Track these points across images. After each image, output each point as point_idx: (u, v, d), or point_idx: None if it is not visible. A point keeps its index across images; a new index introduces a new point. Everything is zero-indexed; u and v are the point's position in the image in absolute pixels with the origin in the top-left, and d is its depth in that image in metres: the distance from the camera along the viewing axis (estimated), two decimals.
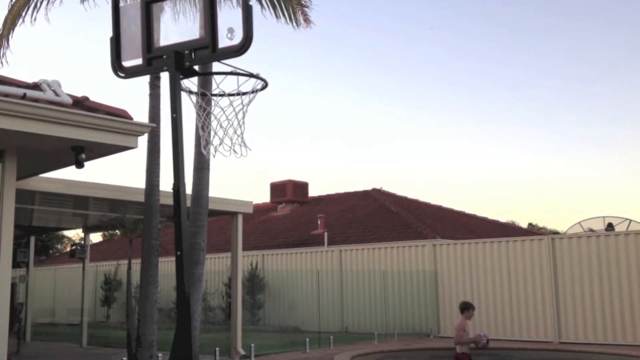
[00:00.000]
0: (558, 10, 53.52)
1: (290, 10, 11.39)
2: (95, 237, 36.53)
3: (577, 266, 15.51)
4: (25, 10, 10.91)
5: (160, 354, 10.51)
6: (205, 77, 6.88)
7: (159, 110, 10.66)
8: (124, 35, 4.50)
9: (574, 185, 68.23)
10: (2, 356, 7.24)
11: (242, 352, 13.07)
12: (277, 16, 11.45)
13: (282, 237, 23.80)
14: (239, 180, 61.63)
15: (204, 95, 5.08)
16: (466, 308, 9.60)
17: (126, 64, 4.49)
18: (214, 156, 4.75)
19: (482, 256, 16.93)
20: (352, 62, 57.87)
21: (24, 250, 16.75)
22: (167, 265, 18.51)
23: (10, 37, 11.04)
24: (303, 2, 11.51)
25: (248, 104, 4.69)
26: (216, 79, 4.74)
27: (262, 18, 11.23)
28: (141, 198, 10.77)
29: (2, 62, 11.13)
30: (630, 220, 19.05)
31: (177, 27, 4.39)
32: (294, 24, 11.50)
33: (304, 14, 11.52)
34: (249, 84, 4.64)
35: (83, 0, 10.94)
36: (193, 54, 4.25)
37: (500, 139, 63.94)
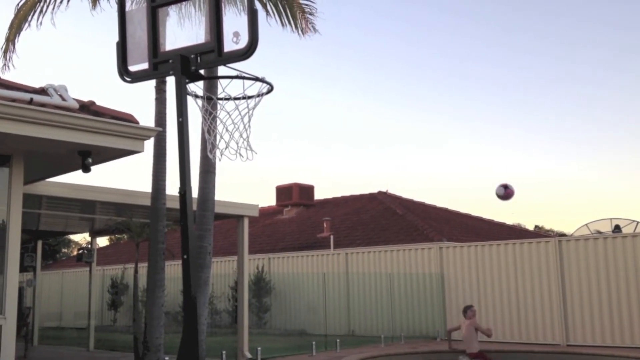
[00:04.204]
0: (562, 13, 53.43)
1: (296, 19, 11.41)
2: (102, 241, 36.67)
3: (584, 268, 15.45)
4: (32, 14, 10.96)
5: (167, 358, 10.52)
6: (211, 81, 6.91)
7: (165, 114, 10.68)
8: (129, 39, 4.52)
9: (580, 187, 68.03)
10: None
11: (249, 356, 13.08)
12: (282, 24, 11.49)
13: (288, 240, 23.79)
14: (245, 183, 61.71)
15: (210, 99, 5.09)
16: (464, 310, 10.17)
17: (132, 68, 4.50)
18: (219, 160, 4.76)
19: (489, 258, 16.89)
20: (358, 66, 57.91)
21: (31, 255, 16.80)
22: (173, 269, 18.54)
23: (16, 41, 11.09)
24: (308, 10, 11.55)
25: (254, 108, 4.70)
26: (222, 82, 4.76)
27: (268, 25, 11.29)
28: (147, 202, 10.80)
29: (8, 66, 11.18)
30: (638, 222, 18.96)
31: (182, 32, 4.43)
32: (300, 32, 11.53)
33: (310, 22, 11.55)
34: (255, 88, 4.65)
35: (95, 5, 10.97)
36: (199, 58, 4.27)
37: (507, 142, 63.85)
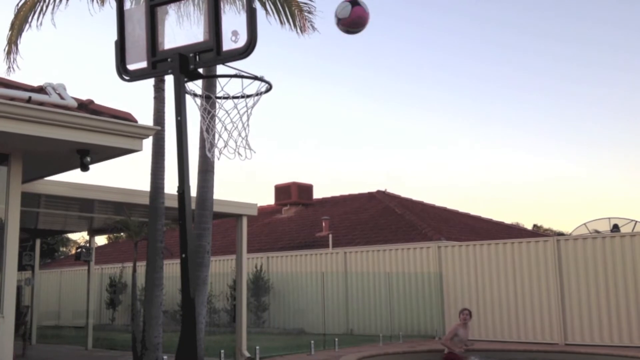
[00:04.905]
0: (562, 11, 53.46)
1: (295, 17, 11.42)
2: (101, 240, 36.63)
3: (582, 267, 15.46)
4: (32, 14, 10.94)
5: (165, 357, 10.53)
6: (210, 79, 6.90)
7: (163, 113, 10.68)
8: (128, 38, 4.50)
9: (579, 186, 68.08)
10: (8, 359, 7.26)
11: (247, 355, 13.08)
12: (281, 22, 11.51)
13: (286, 240, 23.80)
14: (244, 182, 61.70)
15: (209, 98, 5.09)
16: (460, 312, 10.16)
17: (131, 67, 4.49)
18: (218, 159, 4.77)
19: (487, 258, 16.90)
20: (357, 65, 57.88)
21: (29, 253, 16.79)
22: (172, 268, 18.53)
23: (18, 42, 11.05)
24: (306, 9, 11.56)
25: (252, 107, 4.70)
26: (220, 81, 4.75)
27: (267, 24, 11.30)
28: (146, 201, 10.80)
29: (13, 68, 11.12)
30: (636, 222, 18.98)
31: (181, 30, 4.42)
32: (298, 30, 11.54)
33: (309, 21, 11.57)
34: (254, 87, 4.65)
35: (104, 3, 10.96)
36: (197, 57, 4.25)
37: (505, 141, 63.86)
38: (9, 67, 11.08)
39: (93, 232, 16.82)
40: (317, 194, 28.42)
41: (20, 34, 10.96)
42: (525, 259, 16.28)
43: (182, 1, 4.45)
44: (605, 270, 15.14)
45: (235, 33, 4.11)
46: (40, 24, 10.94)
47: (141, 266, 12.64)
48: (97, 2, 11.08)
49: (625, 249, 14.98)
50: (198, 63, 4.27)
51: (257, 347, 12.78)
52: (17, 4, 11.00)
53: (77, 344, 16.14)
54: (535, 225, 46.68)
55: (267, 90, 4.69)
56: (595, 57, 54.65)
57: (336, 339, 14.96)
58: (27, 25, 10.91)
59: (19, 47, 11.06)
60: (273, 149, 58.04)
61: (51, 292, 24.62)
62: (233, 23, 4.15)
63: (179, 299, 17.56)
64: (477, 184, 67.64)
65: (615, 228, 18.90)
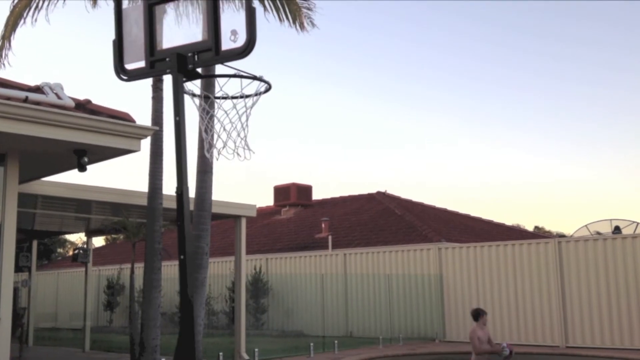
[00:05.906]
0: (563, 11, 53.44)
1: (294, 14, 11.34)
2: (98, 241, 36.57)
3: (583, 269, 15.40)
4: (27, 10, 10.88)
5: (163, 359, 10.45)
6: (209, 79, 6.83)
7: (161, 113, 10.62)
8: (126, 37, 4.44)
9: (580, 188, 68.11)
10: None
11: (246, 357, 13.01)
12: (280, 19, 11.42)
13: (285, 241, 23.72)
14: (243, 183, 61.65)
15: (207, 98, 5.01)
16: (479, 314, 9.44)
17: (129, 66, 4.43)
18: (217, 159, 4.69)
19: (488, 259, 16.83)
20: (357, 65, 57.87)
21: (26, 255, 16.70)
22: (170, 269, 18.45)
23: (12, 38, 11.00)
24: (307, 6, 11.49)
25: (252, 107, 4.62)
26: (219, 81, 4.68)
27: (265, 21, 11.22)
28: (144, 202, 10.72)
29: (4, 64, 11.08)
30: (638, 223, 18.92)
31: (180, 30, 4.33)
32: (297, 27, 11.46)
33: (308, 17, 11.48)
34: (253, 87, 4.58)
35: (95, 4, 10.90)
36: (196, 57, 4.20)
37: (506, 142, 63.87)
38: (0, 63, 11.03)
39: (90, 233, 16.74)
40: (317, 195, 28.39)
41: (14, 30, 10.90)
42: (526, 260, 16.22)
43: (181, 0, 4.36)
44: (606, 272, 15.07)
45: (234, 32, 4.04)
46: (35, 20, 10.89)
47: (139, 268, 12.57)
48: (89, 1, 11.03)
49: (627, 250, 14.92)
50: (197, 63, 4.21)
51: (256, 350, 12.71)
52: (13, 0, 10.94)
53: (74, 346, 16.07)
54: (536, 227, 46.67)
55: (267, 90, 4.62)
56: (595, 57, 54.66)
57: (335, 342, 14.90)
58: (22, 21, 10.85)
59: (12, 44, 11.00)
60: (272, 149, 58.02)
61: (48, 294, 24.52)
62: (232, 22, 4.08)
63: (177, 301, 17.51)
64: (478, 185, 67.69)
65: (617, 230, 18.83)
